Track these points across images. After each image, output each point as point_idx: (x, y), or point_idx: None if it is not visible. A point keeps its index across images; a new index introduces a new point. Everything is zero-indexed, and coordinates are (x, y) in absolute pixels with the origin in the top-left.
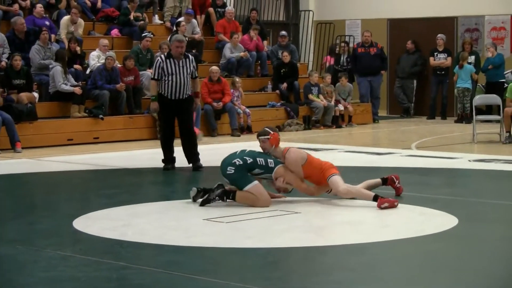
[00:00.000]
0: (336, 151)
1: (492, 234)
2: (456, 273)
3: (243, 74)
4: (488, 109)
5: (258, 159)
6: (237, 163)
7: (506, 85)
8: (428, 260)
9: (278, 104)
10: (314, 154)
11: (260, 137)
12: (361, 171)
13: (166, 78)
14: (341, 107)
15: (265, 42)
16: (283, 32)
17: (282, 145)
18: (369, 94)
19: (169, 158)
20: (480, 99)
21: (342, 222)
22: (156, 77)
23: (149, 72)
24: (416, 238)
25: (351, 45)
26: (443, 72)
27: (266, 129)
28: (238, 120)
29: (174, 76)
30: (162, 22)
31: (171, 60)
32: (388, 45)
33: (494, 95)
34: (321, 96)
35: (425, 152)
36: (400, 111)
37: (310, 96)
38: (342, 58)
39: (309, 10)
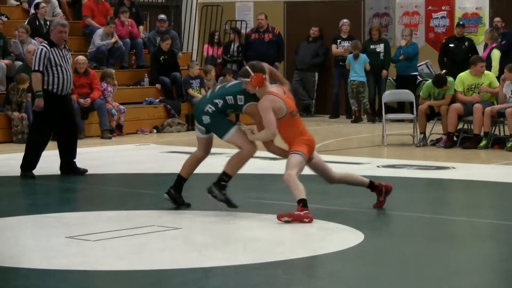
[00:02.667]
0: (225, 156)
1: (402, 251)
2: None
3: (115, 65)
4: (400, 107)
5: (227, 97)
6: (210, 110)
7: (419, 79)
8: (329, 282)
9: (157, 100)
10: None
11: (240, 78)
12: (252, 178)
13: (52, 70)
14: None
15: (141, 28)
16: (162, 16)
17: (165, 147)
18: None
19: (33, 164)
20: (390, 95)
21: (231, 239)
22: (41, 69)
23: (2, 63)
24: (316, 256)
25: (243, 31)
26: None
27: (247, 68)
28: (110, 119)
29: (61, 68)
30: (18, 3)
31: (55, 49)
32: (285, 32)
33: (407, 91)
34: (203, 91)
35: (328, 157)
36: (300, 109)
37: (190, 91)
38: (232, 47)
39: None
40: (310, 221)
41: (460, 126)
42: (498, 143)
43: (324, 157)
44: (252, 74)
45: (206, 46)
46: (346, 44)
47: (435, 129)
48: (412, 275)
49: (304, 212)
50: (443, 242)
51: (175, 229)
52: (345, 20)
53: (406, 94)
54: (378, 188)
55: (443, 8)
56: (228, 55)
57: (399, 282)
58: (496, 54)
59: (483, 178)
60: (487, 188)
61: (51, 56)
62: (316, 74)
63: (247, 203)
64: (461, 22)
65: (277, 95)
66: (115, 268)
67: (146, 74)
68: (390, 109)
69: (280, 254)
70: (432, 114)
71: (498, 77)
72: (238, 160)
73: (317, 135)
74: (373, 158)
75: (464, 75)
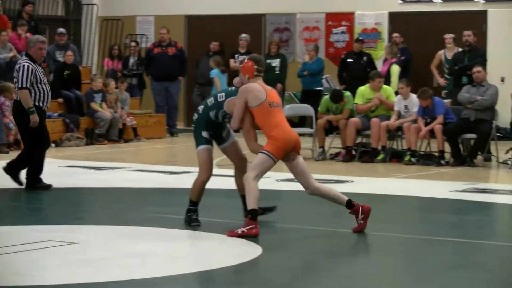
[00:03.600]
0: (124, 170)
1: (299, 265)
2: None
3: (13, 79)
4: (302, 121)
5: (208, 100)
6: (194, 118)
7: (324, 93)
8: None
9: (55, 114)
10: (98, 173)
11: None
12: (153, 193)
13: (38, 87)
14: (131, 120)
15: None
16: (61, 30)
17: (63, 161)
18: (165, 103)
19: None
20: (290, 109)
21: (127, 254)
22: (28, 86)
23: None
24: (213, 270)
25: (143, 45)
26: None
27: (245, 57)
28: (7, 134)
29: (44, 84)
30: None
31: (36, 65)
32: (186, 46)
33: (306, 105)
34: (104, 105)
35: (228, 171)
36: None
37: (93, 105)
38: (131, 61)
39: (92, 4)
40: (256, 235)
41: (358, 140)
42: (395, 156)
43: (222, 171)
44: (246, 61)
45: (106, 60)
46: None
47: (334, 143)
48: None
49: (249, 227)
50: (342, 255)
51: (71, 244)
52: (243, 35)
53: (305, 109)
54: (355, 208)
55: (343, 23)
56: (127, 69)
57: None
58: (395, 69)
59: (381, 191)
60: (385, 201)
61: (36, 73)
62: None
63: (146, 217)
64: (360, 38)
65: (259, 84)
66: (10, 284)
67: None
68: (291, 123)
69: (177, 268)
70: (331, 129)
71: (398, 92)
72: (193, 186)
73: (217, 149)
74: (273, 172)
75: (363, 89)
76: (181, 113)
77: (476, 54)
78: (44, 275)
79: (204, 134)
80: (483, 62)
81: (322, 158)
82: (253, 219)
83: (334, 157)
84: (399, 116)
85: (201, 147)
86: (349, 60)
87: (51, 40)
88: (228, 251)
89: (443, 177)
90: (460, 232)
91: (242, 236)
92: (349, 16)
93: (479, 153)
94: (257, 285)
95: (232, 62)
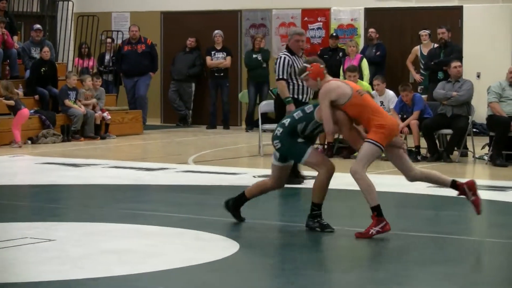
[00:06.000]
0: (100, 167)
1: (276, 261)
2: None
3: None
4: (280, 117)
5: (294, 114)
6: (278, 133)
7: None
8: None
9: (32, 111)
10: (74, 170)
11: (300, 77)
12: (129, 190)
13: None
14: (107, 115)
15: (15, 38)
16: (37, 26)
17: (39, 158)
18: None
19: None
20: (267, 105)
21: (104, 251)
22: (285, 77)
23: None
24: (190, 267)
25: (119, 41)
26: (221, 74)
27: (304, 64)
28: None
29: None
30: None
31: (295, 57)
32: (162, 43)
33: None
34: (78, 102)
35: (204, 167)
36: (176, 120)
37: (67, 102)
38: (107, 57)
39: (68, 0)
40: (388, 230)
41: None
42: None
43: (201, 168)
44: (309, 66)
45: (76, 59)
46: (221, 55)
47: None
48: (282, 285)
49: (381, 225)
50: (318, 252)
51: (49, 241)
52: (217, 31)
53: None
54: (460, 187)
55: (319, 19)
56: (103, 66)
57: None
58: (366, 63)
59: (357, 187)
60: (361, 196)
61: (294, 65)
62: (193, 84)
63: (121, 214)
64: (334, 34)
65: (332, 79)
66: None
67: (20, 85)
68: (268, 119)
69: (154, 265)
70: None
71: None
72: (319, 187)
73: (194, 146)
74: (249, 168)
75: None
76: (157, 110)
77: (452, 49)
78: (21, 273)
79: (299, 140)
80: (459, 58)
81: None
82: (380, 215)
83: None
84: None
85: (308, 150)
86: (325, 56)
87: (26, 36)
88: (205, 248)
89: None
90: (436, 228)
91: (374, 235)
92: (325, 12)
93: (456, 148)
94: (234, 281)
95: (208, 59)
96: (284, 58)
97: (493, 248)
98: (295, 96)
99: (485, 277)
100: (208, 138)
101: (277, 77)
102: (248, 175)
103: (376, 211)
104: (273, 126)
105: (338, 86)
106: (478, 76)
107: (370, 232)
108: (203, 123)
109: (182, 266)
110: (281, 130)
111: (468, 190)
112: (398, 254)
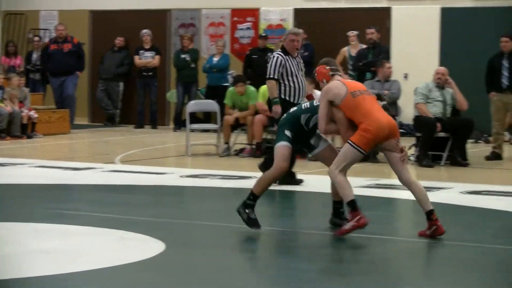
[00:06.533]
0: (26, 166)
1: (203, 261)
2: None
3: None
4: (207, 117)
5: (303, 104)
6: (282, 119)
7: None
8: None
9: None
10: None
11: (307, 79)
12: (54, 189)
13: (288, 79)
14: (34, 114)
15: None
16: None
17: None
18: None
19: None
20: (195, 105)
21: (33, 250)
22: (276, 77)
23: None
24: (116, 267)
25: (47, 40)
26: (150, 73)
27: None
28: None
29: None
30: None
31: (288, 57)
32: (91, 41)
33: (211, 101)
34: (5, 101)
35: (131, 167)
36: (104, 119)
37: None
38: (35, 56)
39: None
40: (366, 224)
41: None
42: (299, 152)
43: (128, 167)
44: (316, 68)
45: (3, 57)
46: (149, 54)
47: (239, 139)
48: (210, 286)
49: (357, 218)
50: (244, 251)
51: None
52: (145, 31)
53: (210, 105)
54: (431, 223)
55: (248, 19)
56: (31, 64)
57: None
58: None
59: (282, 187)
60: (287, 196)
61: (287, 65)
62: (121, 84)
63: (48, 214)
64: (263, 34)
65: (338, 80)
66: None
67: None
68: (196, 119)
69: (83, 264)
70: (237, 125)
71: None
72: (264, 178)
73: (121, 146)
74: (177, 168)
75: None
76: (85, 109)
77: (380, 50)
78: None
79: (288, 133)
80: (387, 58)
81: (227, 154)
82: (355, 209)
83: (238, 153)
84: None
85: (282, 143)
86: (254, 56)
87: None
88: (130, 247)
89: (347, 173)
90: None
91: (352, 231)
92: (254, 12)
93: None
94: (162, 281)
95: (136, 58)
96: (277, 58)
97: (418, 248)
98: (286, 98)
99: (412, 277)
100: (135, 137)
101: (267, 76)
102: (175, 175)
103: (351, 206)
104: (201, 126)
105: (335, 86)
106: (406, 77)
107: (346, 228)
108: (131, 122)
109: (110, 265)
110: (285, 115)
111: (432, 231)
112: (324, 254)
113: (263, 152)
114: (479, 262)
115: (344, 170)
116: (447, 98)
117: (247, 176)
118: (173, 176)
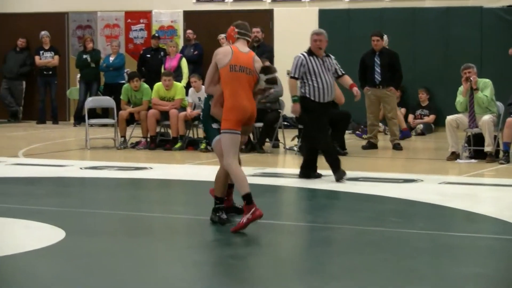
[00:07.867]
0: None
1: (101, 247)
2: None
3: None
4: (105, 112)
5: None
6: (202, 116)
7: None
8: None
9: None
10: None
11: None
12: None
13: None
14: None
15: None
16: None
17: None
18: None
19: None
20: (93, 101)
21: None
22: (297, 76)
23: None
24: (18, 254)
25: None
26: (50, 72)
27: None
28: None
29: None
30: None
31: (313, 57)
32: None
33: (108, 98)
34: None
35: (33, 160)
36: (8, 116)
37: None
38: None
39: None
40: (260, 215)
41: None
42: (192, 144)
43: (30, 160)
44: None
45: None
46: (49, 54)
47: (134, 133)
48: (108, 270)
49: (252, 211)
50: (141, 237)
51: None
52: (43, 32)
53: (107, 101)
54: (250, 206)
55: (141, 21)
56: None
57: (93, 278)
58: (185, 62)
59: (177, 177)
60: (180, 186)
61: (308, 66)
62: (24, 82)
63: None
64: (156, 34)
65: (233, 47)
66: None
67: None
68: (95, 115)
69: None
70: (132, 119)
71: (187, 87)
72: (216, 180)
73: (24, 140)
74: (76, 161)
75: (160, 85)
76: None
77: (264, 49)
78: None
79: (214, 125)
80: (270, 57)
81: (123, 147)
82: (250, 202)
83: (134, 145)
84: (195, 107)
85: (216, 138)
86: (147, 55)
87: None
88: (32, 235)
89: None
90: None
91: (248, 223)
92: (146, 14)
93: (267, 140)
94: (61, 267)
95: (37, 58)
96: (299, 58)
97: (301, 231)
98: (310, 97)
99: (295, 260)
100: (38, 132)
101: (289, 75)
102: (76, 167)
103: (246, 199)
104: (99, 121)
105: (223, 52)
106: (288, 74)
107: (242, 222)
108: (33, 118)
109: (12, 253)
110: (201, 113)
111: (251, 213)
112: (207, 239)
113: (158, 145)
114: (355, 242)
115: (235, 157)
116: None
117: (143, 167)
118: (74, 168)
